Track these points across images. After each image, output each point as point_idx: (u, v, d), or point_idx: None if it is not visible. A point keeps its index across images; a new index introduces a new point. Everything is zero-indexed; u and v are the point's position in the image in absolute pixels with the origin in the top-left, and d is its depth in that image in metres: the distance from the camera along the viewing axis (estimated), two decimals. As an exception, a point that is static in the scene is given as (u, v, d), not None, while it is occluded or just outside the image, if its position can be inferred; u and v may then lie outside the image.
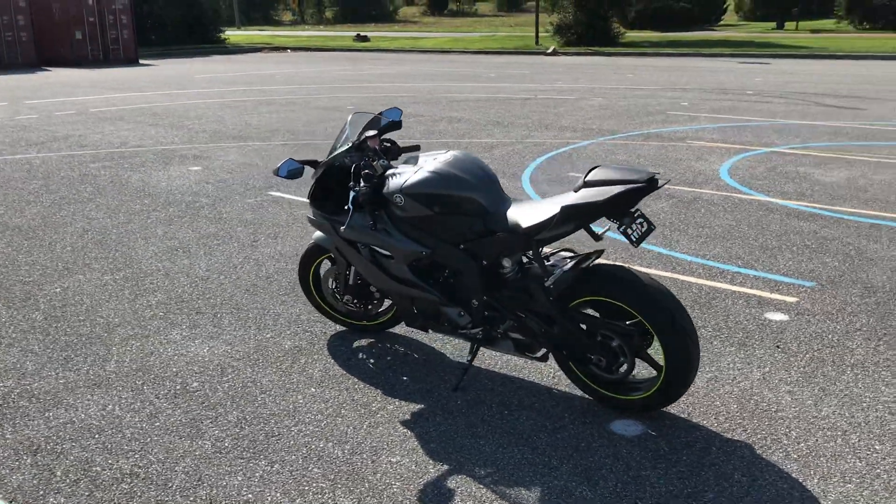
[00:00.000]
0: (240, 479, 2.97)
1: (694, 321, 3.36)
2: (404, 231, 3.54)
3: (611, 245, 5.60)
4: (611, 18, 34.04)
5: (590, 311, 3.36)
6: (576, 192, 3.13)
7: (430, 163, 3.49)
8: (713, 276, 5.07)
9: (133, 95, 16.47)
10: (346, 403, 3.53)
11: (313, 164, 3.91)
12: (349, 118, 3.86)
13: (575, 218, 3.09)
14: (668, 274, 5.06)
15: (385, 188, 3.53)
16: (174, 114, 13.35)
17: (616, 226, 3.10)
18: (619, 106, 13.68)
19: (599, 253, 3.38)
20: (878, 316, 4.39)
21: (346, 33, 46.95)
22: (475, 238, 3.39)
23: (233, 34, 45.35)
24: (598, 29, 32.68)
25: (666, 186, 7.27)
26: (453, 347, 4.07)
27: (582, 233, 3.25)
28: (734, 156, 9.00)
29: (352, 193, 3.59)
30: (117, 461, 3.09)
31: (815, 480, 2.92)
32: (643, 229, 3.10)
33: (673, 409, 3.42)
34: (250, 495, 2.88)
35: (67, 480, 2.97)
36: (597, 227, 3.26)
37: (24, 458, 3.12)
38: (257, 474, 3.00)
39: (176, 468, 3.04)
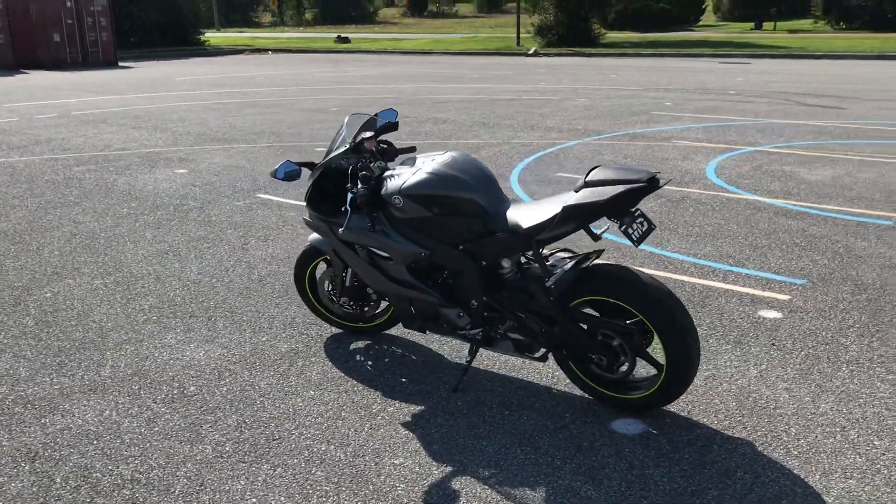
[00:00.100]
0: (243, 483, 2.95)
1: (693, 320, 3.37)
2: (403, 232, 3.54)
3: (604, 244, 5.61)
4: (591, 19, 34.20)
5: (589, 311, 3.37)
6: (576, 192, 3.13)
7: (428, 164, 3.49)
8: (705, 274, 5.10)
9: (114, 98, 16.34)
10: (346, 406, 3.51)
11: (310, 165, 3.89)
12: (346, 119, 3.85)
13: (576, 218, 3.09)
14: (662, 273, 5.09)
15: (383, 190, 3.52)
16: (157, 116, 13.26)
17: (617, 225, 3.11)
18: (604, 106, 13.74)
19: (599, 253, 3.39)
20: (869, 313, 4.43)
21: (327, 35, 46.87)
22: (474, 239, 3.39)
23: (212, 36, 45.16)
24: (578, 30, 32.82)
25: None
26: (451, 348, 4.06)
27: (579, 233, 3.26)
28: (719, 155, 9.06)
29: (349, 195, 3.58)
30: (117, 467, 3.06)
31: (817, 477, 2.94)
32: (644, 229, 3.11)
33: (673, 407, 3.43)
34: (254, 500, 2.86)
35: (68, 487, 2.94)
36: (595, 227, 3.27)
37: (23, 464, 3.09)
38: (260, 478, 2.98)
39: (177, 473, 3.02)
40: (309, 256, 4.17)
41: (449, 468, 3.03)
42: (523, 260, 3.50)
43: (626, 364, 3.29)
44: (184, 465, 3.06)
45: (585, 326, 3.32)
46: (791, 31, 40.52)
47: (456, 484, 2.93)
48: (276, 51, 36.68)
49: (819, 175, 7.94)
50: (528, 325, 3.41)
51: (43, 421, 3.41)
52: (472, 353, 3.64)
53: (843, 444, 3.15)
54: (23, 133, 11.59)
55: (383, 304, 4.13)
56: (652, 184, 2.99)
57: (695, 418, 3.36)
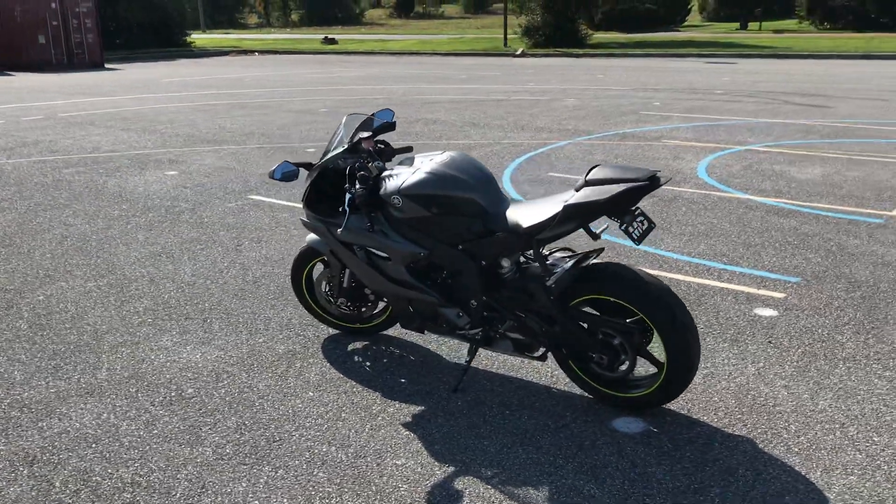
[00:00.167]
0: (244, 485, 2.94)
1: (691, 318, 3.37)
2: (402, 232, 3.53)
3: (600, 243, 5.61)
4: (578, 20, 34.29)
5: (589, 310, 3.37)
6: (577, 190, 3.13)
7: (427, 164, 3.48)
8: (700, 273, 5.12)
9: (101, 100, 16.24)
10: (345, 407, 3.50)
11: (307, 166, 3.87)
12: (343, 119, 3.84)
13: (577, 217, 3.09)
14: (656, 272, 5.10)
15: (382, 190, 3.51)
16: (145, 118, 13.19)
17: (617, 224, 3.11)
18: (593, 106, 13.77)
19: (599, 251, 3.39)
20: (864, 310, 4.46)
21: (314, 36, 46.78)
22: (474, 238, 3.38)
23: (198, 37, 45.00)
24: (565, 30, 32.90)
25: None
26: (449, 348, 4.06)
27: (576, 232, 3.26)
28: (709, 154, 9.10)
29: (347, 195, 3.57)
30: (117, 470, 3.04)
31: (818, 473, 2.95)
32: (644, 227, 3.11)
33: (672, 405, 3.44)
34: (256, 502, 2.84)
35: (67, 491, 2.91)
36: (594, 226, 3.27)
37: (21, 469, 3.06)
38: (262, 480, 2.97)
39: (178, 476, 3.00)
40: (306, 257, 4.15)
41: (451, 468, 3.03)
42: (522, 259, 3.50)
43: (627, 363, 3.29)
44: (184, 468, 3.04)
45: (586, 325, 3.33)
46: (776, 31, 40.77)
47: (459, 484, 2.92)
48: (262, 52, 36.57)
49: (809, 174, 7.98)
50: (528, 325, 3.41)
51: (40, 425, 3.38)
52: (472, 353, 3.63)
53: (843, 441, 3.16)
54: (9, 135, 11.50)
55: (381, 305, 4.12)
56: (653, 182, 2.99)
57: (695, 416, 3.37)
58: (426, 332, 3.83)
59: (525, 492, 2.87)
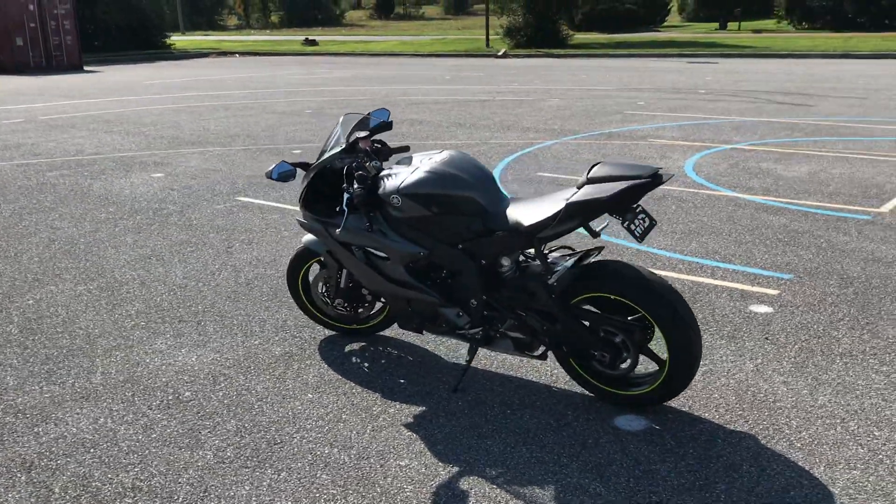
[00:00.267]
0: (247, 488, 2.91)
1: (692, 315, 3.38)
2: (401, 232, 3.51)
3: (589, 241, 5.62)
4: (559, 21, 34.39)
5: (589, 308, 3.37)
6: (578, 188, 3.13)
7: (426, 163, 3.46)
8: (694, 270, 5.13)
9: (82, 102, 16.08)
10: (346, 408, 3.48)
11: (304, 166, 3.84)
12: (340, 119, 3.81)
13: (579, 215, 3.09)
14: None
15: (381, 189, 3.49)
16: (128, 120, 13.07)
17: (619, 222, 3.11)
18: (578, 106, 13.80)
19: (600, 249, 3.39)
20: (858, 306, 4.49)
21: (294, 37, 46.60)
22: (474, 238, 3.37)
23: (178, 39, 44.68)
24: (546, 31, 32.99)
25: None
26: (447, 348, 4.04)
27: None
28: (696, 153, 9.14)
29: (345, 195, 3.54)
30: (117, 475, 2.99)
31: (822, 468, 2.96)
32: (646, 224, 3.11)
33: (673, 403, 3.44)
34: (260, 505, 2.81)
35: (67, 497, 2.87)
36: (593, 224, 3.27)
37: (18, 475, 3.01)
38: (265, 483, 2.94)
39: (179, 480, 2.96)
40: (302, 258, 4.12)
41: (455, 468, 3.01)
42: (521, 258, 3.49)
43: (629, 360, 3.29)
44: (185, 472, 3.01)
45: (587, 323, 3.32)
46: (755, 31, 41.08)
47: (464, 484, 2.91)
48: (243, 54, 36.38)
49: (795, 171, 8.04)
50: (529, 324, 3.40)
51: (36, 430, 3.33)
52: (472, 353, 3.61)
53: (845, 436, 3.17)
54: (-10, 138, 11.36)
55: (378, 305, 4.10)
56: (655, 179, 2.99)
57: (696, 413, 3.37)
58: (424, 332, 3.81)
59: (531, 491, 2.85)
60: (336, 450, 3.15)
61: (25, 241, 6.10)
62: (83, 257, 5.65)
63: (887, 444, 3.10)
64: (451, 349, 4.02)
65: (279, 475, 2.98)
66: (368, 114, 3.87)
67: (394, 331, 4.23)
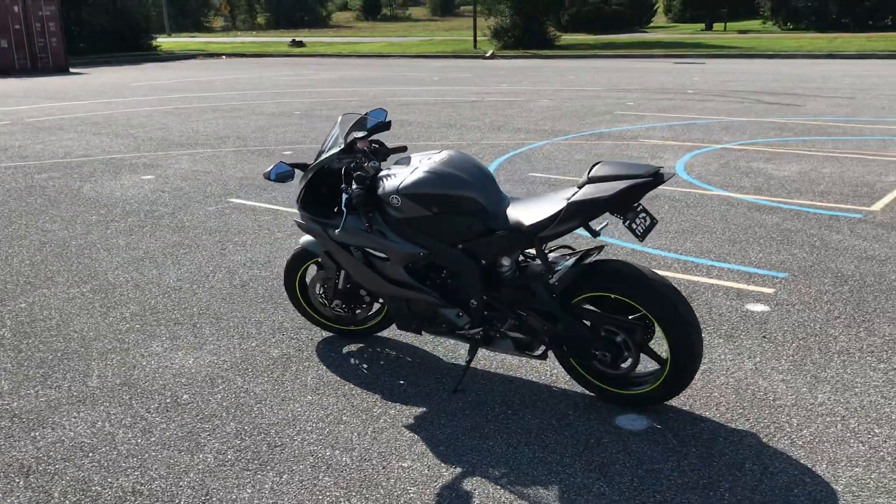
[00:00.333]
0: (249, 491, 2.88)
1: (692, 314, 3.37)
2: (400, 232, 3.49)
3: (585, 241, 5.62)
4: (547, 22, 34.47)
5: (589, 307, 3.36)
6: (579, 188, 3.12)
7: (425, 163, 3.45)
8: (689, 269, 5.14)
9: (69, 104, 15.97)
10: (346, 410, 3.46)
11: (302, 167, 3.82)
12: (339, 119, 3.80)
13: (580, 214, 3.08)
14: (646, 269, 5.11)
15: (380, 190, 3.48)
16: (116, 122, 12.99)
17: (621, 221, 3.11)
18: (567, 107, 13.82)
19: (600, 248, 3.39)
20: (853, 304, 4.50)
21: (281, 39, 46.49)
22: (474, 237, 3.36)
23: (164, 41, 44.49)
24: (534, 32, 33.05)
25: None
26: (445, 349, 4.03)
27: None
28: (687, 153, 9.17)
29: (344, 196, 3.52)
30: (117, 479, 2.96)
31: (824, 466, 2.97)
32: (647, 223, 3.11)
33: (673, 402, 3.44)
34: (263, 508, 2.79)
35: (67, 502, 2.83)
36: (592, 224, 3.27)
37: (16, 480, 2.97)
38: (267, 486, 2.91)
39: (180, 483, 2.93)
40: (299, 259, 4.10)
41: (458, 469, 3.00)
42: (521, 258, 3.48)
43: (630, 360, 3.28)
44: (186, 475, 2.98)
45: (589, 323, 3.31)
46: (741, 32, 41.32)
47: (468, 485, 2.90)
48: (230, 55, 36.27)
49: (786, 171, 8.07)
50: (530, 324, 3.39)
51: (33, 434, 3.29)
52: (472, 354, 3.60)
53: (845, 433, 3.18)
54: (-23, 141, 11.26)
55: (376, 306, 4.08)
56: (657, 178, 2.99)
57: (697, 412, 3.38)
58: (423, 332, 3.80)
59: (535, 491, 2.85)
60: (338, 452, 3.13)
61: (16, 244, 6.05)
62: (75, 260, 5.61)
63: (888, 442, 3.11)
64: (450, 350, 4.01)
65: (281, 478, 2.96)
66: (366, 114, 3.85)
67: (391, 332, 4.21)
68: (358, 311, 4.07)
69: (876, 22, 38.36)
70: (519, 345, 3.50)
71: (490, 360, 3.88)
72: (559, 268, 3.28)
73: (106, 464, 3.07)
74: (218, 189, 7.79)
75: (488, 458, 3.07)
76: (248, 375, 3.79)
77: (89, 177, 8.53)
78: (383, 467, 3.02)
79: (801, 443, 3.12)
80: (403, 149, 3.92)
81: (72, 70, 27.96)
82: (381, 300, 3.97)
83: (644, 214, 3.11)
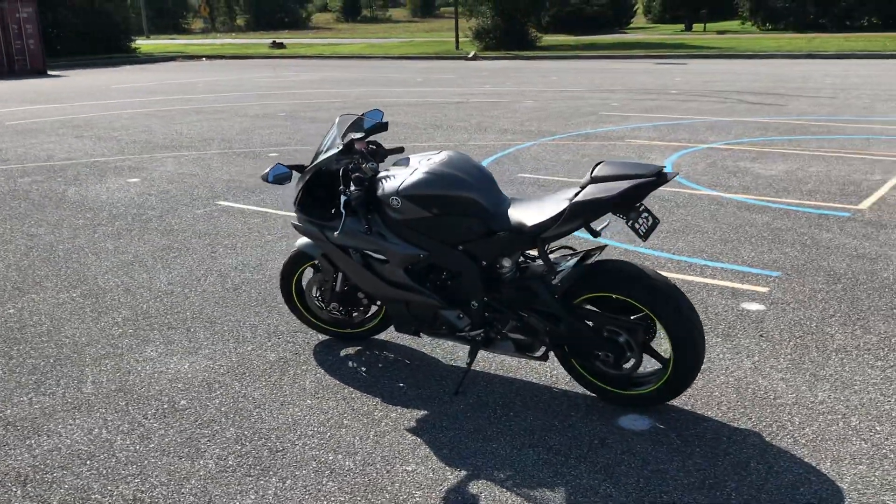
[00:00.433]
0: (252, 497, 2.85)
1: (694, 313, 3.37)
2: (400, 234, 3.46)
3: (579, 242, 5.62)
4: (528, 23, 34.53)
5: (590, 307, 3.35)
6: (582, 188, 3.11)
7: (424, 164, 3.43)
8: (683, 269, 5.15)
9: (49, 107, 15.80)
10: (346, 414, 3.43)
11: (299, 168, 3.79)
12: (336, 120, 3.77)
13: (583, 214, 3.07)
14: (640, 269, 5.11)
15: (379, 191, 3.45)
16: (98, 125, 12.86)
17: (623, 221, 3.10)
18: (552, 108, 13.84)
19: (602, 248, 3.38)
20: (847, 302, 4.53)
21: (261, 41, 46.26)
22: (475, 238, 3.33)
23: (143, 43, 44.14)
24: (515, 33, 33.11)
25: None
26: (444, 351, 4.01)
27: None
28: (674, 153, 9.20)
29: (342, 198, 3.49)
30: (117, 487, 2.92)
31: (828, 464, 2.97)
32: (649, 223, 3.10)
33: (675, 402, 3.43)
34: (267, 514, 2.76)
35: (67, 511, 2.79)
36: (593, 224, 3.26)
37: (14, 489, 2.92)
38: (270, 492, 2.88)
39: (182, 490, 2.89)
40: (296, 262, 4.06)
41: (463, 472, 2.98)
42: (521, 259, 3.47)
43: (633, 360, 3.27)
44: (187, 482, 2.94)
45: (591, 323, 3.30)
46: (720, 32, 41.60)
47: (474, 488, 2.87)
48: (210, 57, 36.05)
49: (773, 170, 8.12)
50: (531, 325, 3.37)
51: (28, 442, 3.24)
52: (472, 356, 3.58)
53: (847, 431, 3.19)
54: (-43, 144, 11.11)
55: (373, 309, 4.05)
56: (660, 178, 2.98)
57: (699, 412, 3.37)
58: (421, 335, 3.78)
59: (542, 494, 2.83)
60: (340, 456, 3.10)
61: (2, 248, 5.96)
62: (63, 264, 5.53)
63: (890, 439, 3.12)
64: (448, 352, 3.99)
65: (284, 483, 2.93)
66: (362, 114, 3.83)
67: (389, 334, 4.18)
68: (355, 314, 4.04)
69: (853, 22, 38.76)
70: (520, 346, 3.49)
71: (489, 362, 3.86)
72: (561, 268, 3.27)
73: (105, 471, 3.02)
74: (205, 192, 7.72)
75: (493, 460, 3.05)
76: (246, 380, 3.75)
77: (73, 180, 8.43)
78: (387, 471, 2.99)
79: (803, 441, 3.13)
80: (401, 150, 3.90)
81: (50, 72, 27.69)
82: (378, 303, 3.94)
83: (646, 214, 3.10)
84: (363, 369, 3.84)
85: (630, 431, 3.23)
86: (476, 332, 3.50)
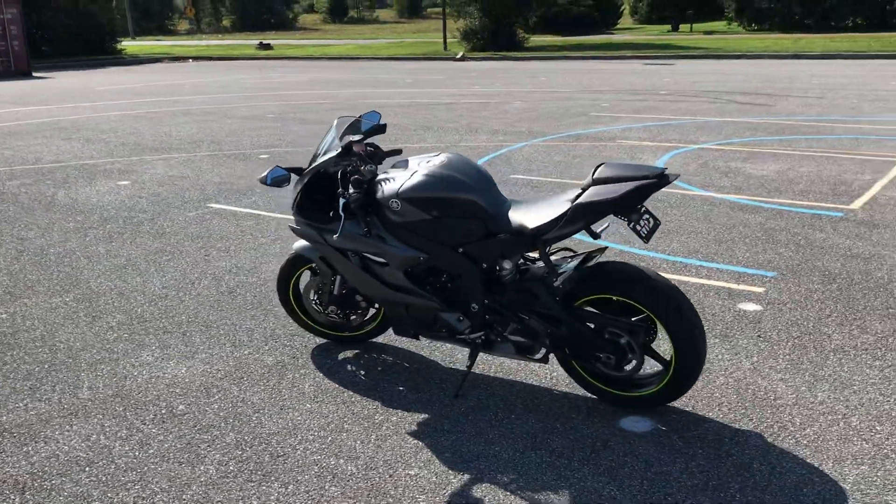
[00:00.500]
0: (255, 503, 2.82)
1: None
2: (400, 236, 3.45)
3: (575, 243, 5.62)
4: (516, 24, 34.56)
5: (591, 309, 3.34)
6: (584, 189, 3.10)
7: (424, 166, 3.41)
8: (678, 270, 5.16)
9: (35, 109, 15.68)
10: (347, 418, 3.40)
11: (298, 171, 3.76)
12: (335, 122, 3.75)
13: (585, 216, 3.06)
14: (636, 270, 5.11)
15: (378, 193, 3.43)
16: (85, 127, 12.77)
17: (625, 223, 3.09)
18: (542, 108, 13.85)
19: (602, 250, 3.37)
20: (843, 302, 4.54)
21: (248, 42, 46.09)
22: (475, 241, 3.32)
23: (128, 45, 43.88)
24: (503, 34, 33.12)
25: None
26: (443, 354, 3.99)
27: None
28: (665, 153, 9.22)
29: (341, 200, 3.47)
30: (117, 494, 2.89)
31: (830, 465, 2.98)
32: (651, 225, 3.10)
33: (675, 403, 3.43)
34: (270, 520, 2.73)
35: (67, 519, 2.76)
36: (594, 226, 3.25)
37: (12, 497, 2.88)
38: (272, 497, 2.86)
39: (183, 497, 2.86)
40: (293, 265, 4.04)
41: (466, 476, 2.96)
42: (521, 261, 3.46)
43: (634, 362, 3.27)
44: (189, 488, 2.91)
45: (592, 325, 3.30)
46: (706, 33, 41.78)
47: (477, 492, 2.86)
48: (196, 58, 35.90)
49: (764, 170, 8.15)
50: (531, 327, 3.36)
51: (25, 449, 3.20)
52: (472, 358, 3.56)
53: (848, 431, 3.20)
54: (-57, 147, 11.00)
55: (371, 312, 4.03)
56: (662, 180, 2.98)
57: (700, 413, 3.37)
58: (420, 337, 3.76)
59: (546, 497, 2.82)
60: (342, 460, 3.08)
61: (-8, 252, 5.90)
62: (55, 268, 5.48)
63: (891, 439, 3.13)
64: (448, 354, 3.98)
65: (287, 488, 2.91)
66: (360, 116, 3.81)
67: (387, 337, 4.16)
68: (353, 317, 4.02)
69: (838, 23, 39.01)
70: (520, 348, 3.48)
71: (488, 364, 3.85)
72: (562, 270, 3.26)
73: (104, 478, 2.99)
74: (196, 194, 7.67)
75: (496, 463, 3.04)
76: (244, 384, 3.73)
77: (63, 183, 8.36)
78: (390, 475, 2.98)
79: (805, 442, 3.13)
80: (399, 151, 3.88)
81: (35, 74, 27.47)
82: (376, 306, 3.92)
83: (648, 216, 3.11)
84: (362, 373, 3.82)
85: (632, 433, 3.23)
86: (476, 335, 3.49)
